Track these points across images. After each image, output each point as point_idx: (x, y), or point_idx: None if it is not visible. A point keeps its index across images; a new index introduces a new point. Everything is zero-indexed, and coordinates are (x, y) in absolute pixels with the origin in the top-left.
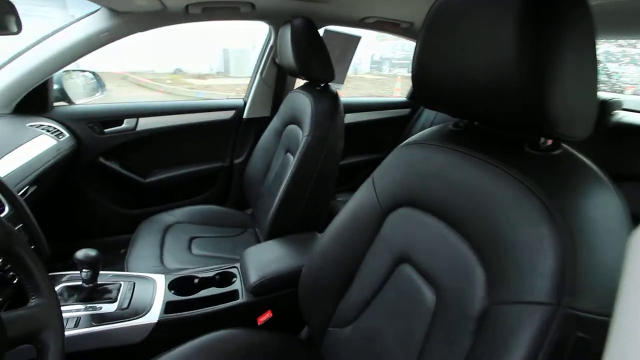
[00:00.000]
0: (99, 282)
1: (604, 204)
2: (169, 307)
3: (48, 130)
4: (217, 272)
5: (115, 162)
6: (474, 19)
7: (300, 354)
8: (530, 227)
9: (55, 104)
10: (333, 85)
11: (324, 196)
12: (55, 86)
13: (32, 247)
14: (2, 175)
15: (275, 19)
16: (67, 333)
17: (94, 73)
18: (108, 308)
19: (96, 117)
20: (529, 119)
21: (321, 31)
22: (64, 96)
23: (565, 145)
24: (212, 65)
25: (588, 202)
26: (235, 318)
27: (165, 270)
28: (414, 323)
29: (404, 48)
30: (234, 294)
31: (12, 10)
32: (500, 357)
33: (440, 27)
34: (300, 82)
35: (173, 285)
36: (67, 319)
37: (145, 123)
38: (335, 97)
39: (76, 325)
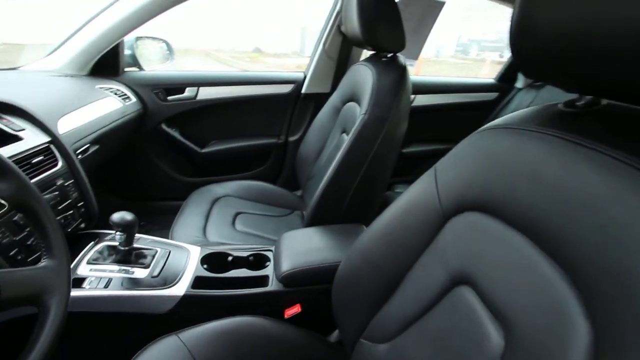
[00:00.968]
0: (136, 246)
1: None
2: (197, 282)
3: (116, 94)
4: (251, 253)
5: (176, 129)
6: None
7: (325, 358)
8: None
9: (127, 69)
10: (404, 60)
11: (377, 185)
12: (129, 52)
13: (81, 203)
14: (64, 132)
15: None
16: (95, 293)
17: (165, 41)
18: (139, 273)
19: (160, 83)
20: None
21: None
22: (135, 62)
23: None
24: (290, 44)
25: None
26: (261, 305)
27: (204, 242)
28: None
29: (497, 29)
30: (264, 280)
31: None
32: None
33: None
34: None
35: (206, 260)
36: (100, 279)
37: (205, 93)
38: (402, 70)
39: (106, 286)
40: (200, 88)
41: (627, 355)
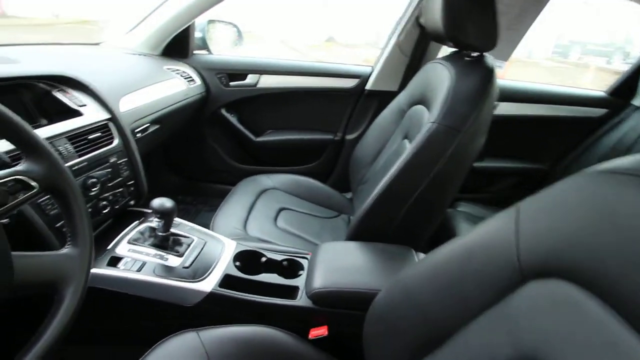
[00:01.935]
0: (174, 232)
1: None
2: (225, 280)
3: (182, 76)
4: (286, 257)
5: (234, 115)
6: None
7: None
8: None
9: (196, 51)
10: (493, 62)
11: (436, 204)
12: (200, 35)
13: (131, 182)
14: (125, 110)
15: None
16: (127, 275)
17: (236, 26)
18: (172, 261)
19: (225, 68)
20: None
21: None
22: (204, 45)
23: None
24: (364, 35)
25: None
26: (286, 319)
27: (243, 236)
28: None
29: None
30: (293, 291)
31: None
32: None
33: None
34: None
35: (239, 257)
36: (135, 261)
37: (266, 81)
38: (489, 74)
39: (139, 270)
40: (262, 76)
41: None
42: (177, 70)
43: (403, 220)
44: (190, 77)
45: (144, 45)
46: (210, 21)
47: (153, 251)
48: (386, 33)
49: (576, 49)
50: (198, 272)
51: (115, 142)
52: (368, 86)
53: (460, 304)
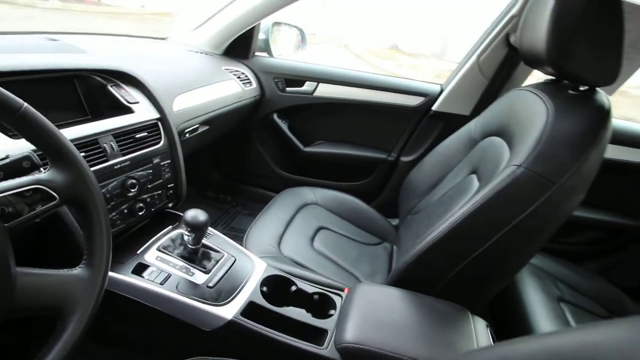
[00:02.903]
0: (205, 243)
1: None
2: (249, 308)
3: (239, 77)
4: (318, 291)
5: (285, 122)
6: None
7: None
8: None
9: (257, 53)
10: (607, 100)
11: (508, 263)
12: (263, 36)
13: (171, 185)
14: (178, 109)
15: None
16: (150, 287)
17: (300, 30)
18: (198, 277)
19: (283, 73)
20: None
21: None
22: (266, 47)
23: None
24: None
25: None
26: None
27: (275, 255)
28: None
29: None
30: (321, 336)
31: None
32: None
33: None
34: (534, 80)
35: (267, 282)
36: (160, 271)
37: (323, 90)
38: (602, 115)
39: (163, 283)
40: (320, 84)
41: None
42: (236, 71)
43: (461, 275)
44: (248, 79)
45: (207, 44)
46: (276, 23)
47: (180, 263)
48: (455, 46)
49: None
50: (222, 294)
51: (161, 143)
52: (435, 106)
53: None
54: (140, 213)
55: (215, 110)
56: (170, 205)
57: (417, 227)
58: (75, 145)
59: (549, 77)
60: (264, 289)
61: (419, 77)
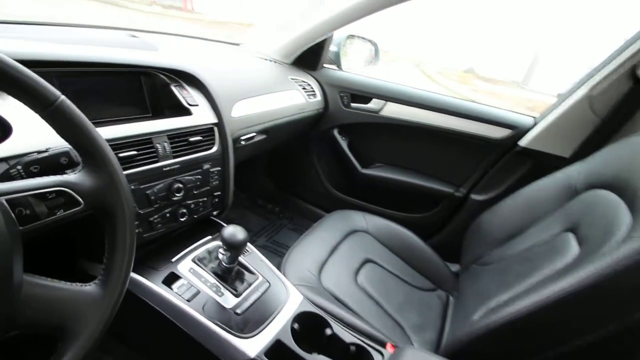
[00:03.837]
0: (241, 261)
1: None
2: (275, 348)
3: (304, 88)
4: (356, 342)
5: (345, 138)
6: None
7: None
8: None
9: (326, 65)
10: None
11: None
12: (334, 49)
13: (217, 193)
14: (237, 115)
15: None
16: (175, 302)
17: (374, 44)
18: (227, 300)
19: (350, 87)
20: None
21: None
22: (336, 60)
23: None
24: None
25: None
26: None
27: (314, 284)
28: None
29: None
30: None
31: None
32: None
33: None
34: None
35: (300, 318)
36: (190, 286)
37: (391, 110)
38: None
39: (190, 300)
40: (388, 103)
41: None
42: (302, 81)
43: None
44: (313, 90)
45: (278, 52)
46: (350, 36)
47: (212, 280)
48: (542, 75)
49: None
50: (249, 324)
51: (214, 148)
52: (524, 142)
53: None
54: (182, 219)
55: (275, 119)
56: (214, 213)
57: (485, 283)
58: (129, 142)
59: None
60: (295, 326)
61: (497, 105)
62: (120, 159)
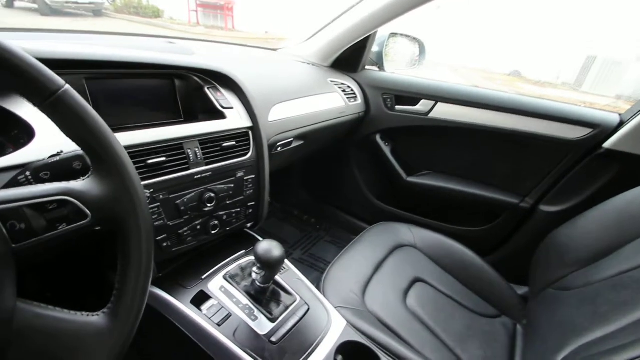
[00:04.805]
0: (277, 280)
1: None
2: None
3: (344, 91)
4: None
5: (388, 144)
6: None
7: None
8: None
9: (367, 66)
10: None
11: None
12: (377, 49)
13: (252, 203)
14: (274, 119)
15: None
16: (204, 326)
17: (420, 42)
18: (262, 326)
19: (394, 89)
20: None
21: None
22: (378, 60)
23: None
24: (560, 73)
25: None
26: None
27: (358, 306)
28: None
29: None
30: None
31: None
32: None
33: None
34: None
35: (344, 349)
36: (221, 308)
37: (441, 111)
38: None
39: (220, 324)
40: (439, 104)
41: None
42: (342, 84)
43: None
44: (353, 93)
45: (315, 55)
46: (392, 34)
47: (245, 301)
48: (597, 75)
49: None
50: (285, 356)
51: (249, 154)
52: (609, 143)
53: None
54: (213, 231)
55: (314, 124)
56: (247, 225)
57: (569, 313)
58: (158, 148)
59: None
60: (339, 358)
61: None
62: (148, 166)
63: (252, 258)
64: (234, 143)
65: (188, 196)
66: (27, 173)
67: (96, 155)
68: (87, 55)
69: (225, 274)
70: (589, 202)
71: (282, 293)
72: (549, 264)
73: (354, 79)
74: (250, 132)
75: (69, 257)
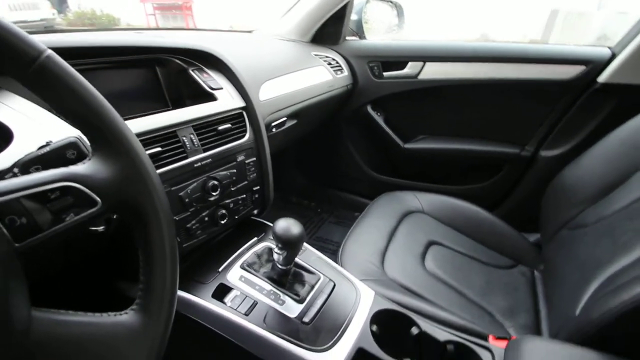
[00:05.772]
0: (298, 261)
1: None
2: (357, 358)
3: (330, 64)
4: (454, 339)
5: (381, 114)
6: None
7: None
8: None
9: (348, 37)
10: None
11: None
12: (355, 17)
13: (257, 187)
14: (265, 99)
15: None
16: (233, 318)
17: (397, 5)
18: (290, 308)
19: (379, 55)
20: None
21: None
22: (358, 29)
23: None
24: (527, 30)
25: None
26: None
27: (379, 276)
28: None
29: None
30: None
31: None
32: None
33: None
34: None
35: (377, 319)
36: (245, 297)
37: (430, 71)
38: None
39: (247, 313)
40: (427, 64)
41: None
42: (327, 57)
43: None
44: (339, 65)
45: (293, 32)
46: (368, 0)
47: (268, 286)
48: (561, 28)
49: None
50: (321, 334)
51: (247, 136)
52: (603, 77)
53: None
54: (222, 221)
55: (305, 100)
56: (254, 212)
57: (588, 249)
58: (151, 138)
59: None
60: (374, 328)
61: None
62: None
63: (266, 243)
64: (229, 125)
65: (191, 187)
66: (15, 170)
67: (97, 131)
68: (63, 42)
69: (243, 263)
70: (589, 140)
71: (304, 273)
72: (558, 206)
73: (336, 52)
74: (244, 113)
75: (74, 269)
